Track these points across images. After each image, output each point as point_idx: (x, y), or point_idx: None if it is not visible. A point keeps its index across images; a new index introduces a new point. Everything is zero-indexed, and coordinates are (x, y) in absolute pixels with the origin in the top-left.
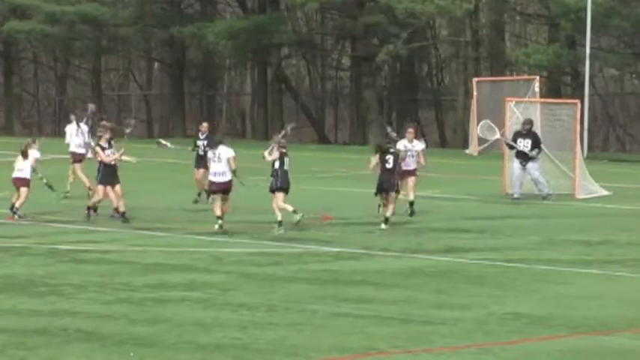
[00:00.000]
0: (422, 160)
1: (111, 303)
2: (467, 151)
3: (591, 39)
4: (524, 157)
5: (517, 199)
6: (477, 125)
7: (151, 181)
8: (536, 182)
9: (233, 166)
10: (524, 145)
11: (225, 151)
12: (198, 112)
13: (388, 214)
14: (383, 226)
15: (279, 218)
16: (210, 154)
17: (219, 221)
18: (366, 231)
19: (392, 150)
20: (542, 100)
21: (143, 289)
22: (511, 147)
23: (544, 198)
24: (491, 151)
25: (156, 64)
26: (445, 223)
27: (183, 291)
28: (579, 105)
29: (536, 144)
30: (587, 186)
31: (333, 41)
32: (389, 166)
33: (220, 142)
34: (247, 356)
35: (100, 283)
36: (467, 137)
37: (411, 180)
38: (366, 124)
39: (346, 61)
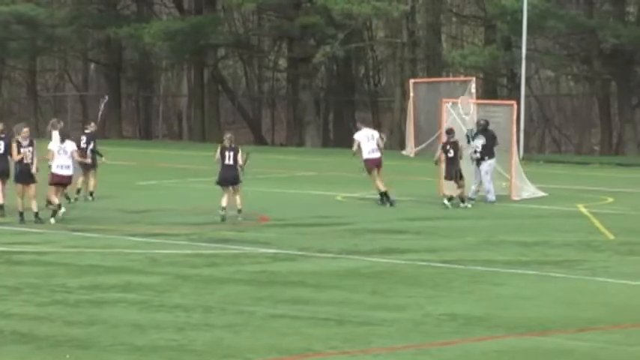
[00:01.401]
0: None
1: (46, 305)
2: (404, 152)
3: (527, 40)
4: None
5: (492, 201)
6: (412, 125)
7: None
8: (484, 188)
9: (76, 158)
10: (479, 144)
11: (70, 145)
12: (134, 113)
13: (455, 194)
14: (446, 201)
15: (224, 204)
16: (56, 147)
17: (56, 215)
18: (302, 232)
19: (452, 140)
20: (479, 101)
21: (78, 291)
22: (477, 159)
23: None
24: (427, 152)
25: (92, 65)
26: (381, 224)
27: (118, 292)
28: (515, 106)
29: (492, 142)
30: (523, 187)
31: (269, 42)
32: (451, 155)
33: (67, 137)
34: (184, 357)
35: (35, 285)
36: (404, 138)
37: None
38: (303, 125)
39: (283, 62)
